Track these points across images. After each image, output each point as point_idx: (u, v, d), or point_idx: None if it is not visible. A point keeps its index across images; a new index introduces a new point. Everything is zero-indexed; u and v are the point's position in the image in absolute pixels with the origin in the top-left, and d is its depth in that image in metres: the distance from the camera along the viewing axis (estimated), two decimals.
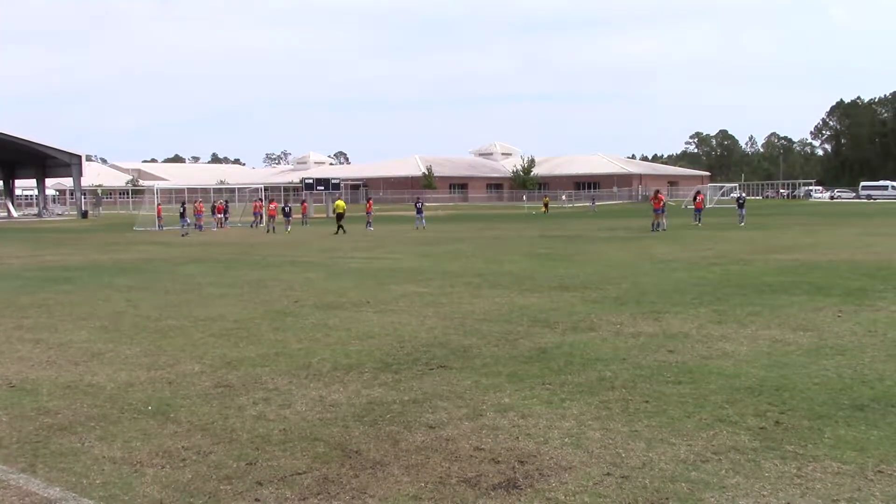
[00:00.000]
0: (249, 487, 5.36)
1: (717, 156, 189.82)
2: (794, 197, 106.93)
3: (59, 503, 5.19)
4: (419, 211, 41.43)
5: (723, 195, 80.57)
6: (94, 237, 39.13)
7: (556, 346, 9.69)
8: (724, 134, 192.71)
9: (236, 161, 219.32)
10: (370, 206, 43.46)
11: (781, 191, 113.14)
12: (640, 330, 10.63)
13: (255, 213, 49.64)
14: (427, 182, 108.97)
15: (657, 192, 36.71)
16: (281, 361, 9.11)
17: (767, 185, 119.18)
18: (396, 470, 5.62)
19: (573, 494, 5.12)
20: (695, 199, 43.40)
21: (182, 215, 41.16)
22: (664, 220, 35.03)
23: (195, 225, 43.94)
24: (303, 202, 51.67)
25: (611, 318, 11.62)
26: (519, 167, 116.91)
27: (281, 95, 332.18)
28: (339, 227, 37.19)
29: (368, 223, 40.84)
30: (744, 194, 54.62)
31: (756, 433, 6.23)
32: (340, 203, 39.70)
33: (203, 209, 46.21)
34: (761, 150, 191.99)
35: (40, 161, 75.09)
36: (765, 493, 5.09)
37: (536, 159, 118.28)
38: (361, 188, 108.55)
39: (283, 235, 37.49)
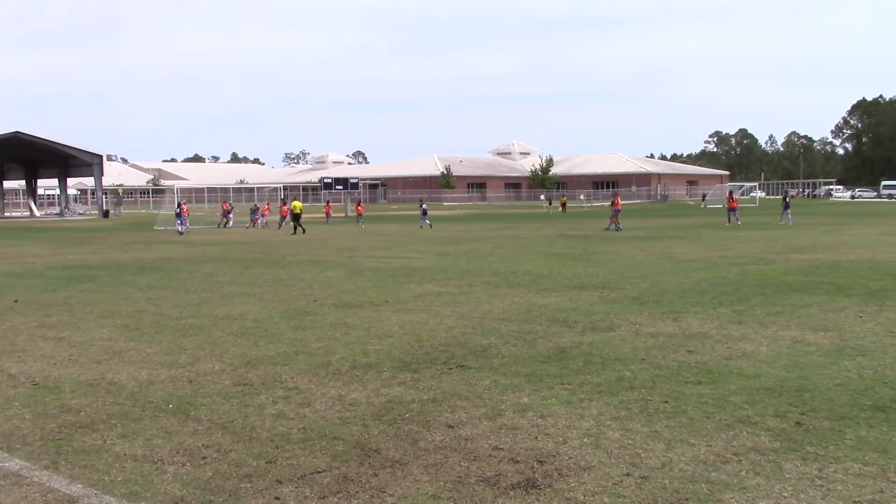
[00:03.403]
0: (269, 486, 5.39)
1: (737, 155, 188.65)
2: (814, 196, 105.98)
3: (81, 500, 5.23)
4: (424, 213, 43.25)
5: (742, 194, 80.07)
6: (115, 236, 39.43)
7: (574, 345, 9.68)
8: (743, 133, 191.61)
9: (255, 160, 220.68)
10: (360, 208, 50.64)
11: (806, 190, 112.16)
12: (659, 330, 10.59)
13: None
14: (445, 181, 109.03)
15: (616, 194, 43.10)
16: (300, 360, 9.15)
17: (789, 184, 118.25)
18: (415, 469, 5.64)
19: (592, 495, 5.12)
20: (730, 198, 44.23)
21: (178, 215, 41.99)
22: (616, 222, 37.17)
23: (221, 224, 47.90)
24: (327, 202, 57.51)
25: (630, 317, 11.59)
26: (537, 166, 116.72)
27: (300, 95, 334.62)
28: (298, 226, 39.65)
29: (359, 222, 46.89)
30: (792, 192, 54.07)
31: (776, 434, 6.19)
32: (297, 204, 42.28)
33: (188, 210, 47.14)
34: (781, 148, 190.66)
35: (62, 161, 75.76)
36: (785, 494, 5.06)
37: (555, 158, 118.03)
38: (380, 188, 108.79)
39: (289, 235, 37.51)
